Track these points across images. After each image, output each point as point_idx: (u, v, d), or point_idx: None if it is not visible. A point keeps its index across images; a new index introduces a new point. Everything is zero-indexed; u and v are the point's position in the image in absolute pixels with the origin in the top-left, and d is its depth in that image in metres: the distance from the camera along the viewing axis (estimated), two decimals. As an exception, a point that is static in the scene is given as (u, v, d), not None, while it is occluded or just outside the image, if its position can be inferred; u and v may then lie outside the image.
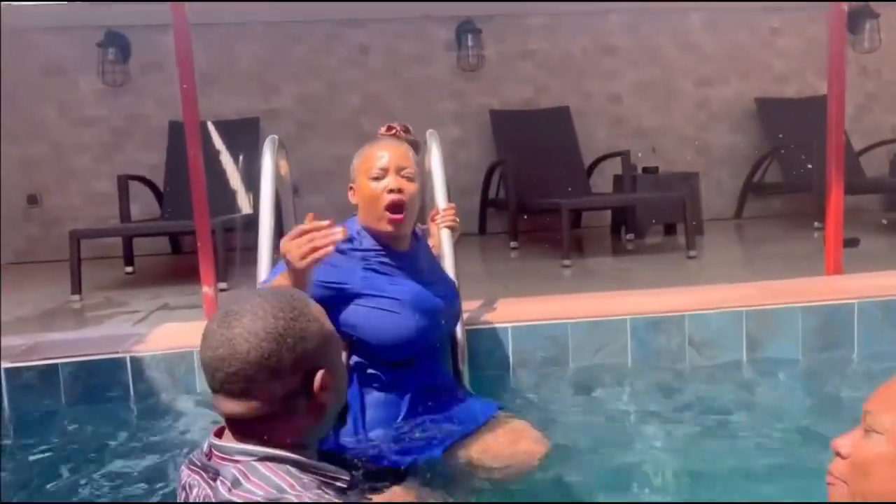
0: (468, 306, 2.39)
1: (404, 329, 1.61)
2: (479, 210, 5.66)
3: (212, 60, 5.50)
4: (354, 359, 1.64)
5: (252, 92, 5.57)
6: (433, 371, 1.73)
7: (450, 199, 5.43)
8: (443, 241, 2.07)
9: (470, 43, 5.60)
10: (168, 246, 5.31)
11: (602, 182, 5.62)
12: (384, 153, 1.68)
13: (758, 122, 5.94)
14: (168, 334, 2.30)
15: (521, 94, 5.84)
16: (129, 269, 4.43)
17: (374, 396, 1.64)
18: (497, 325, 2.22)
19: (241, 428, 0.96)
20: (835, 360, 2.27)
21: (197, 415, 1.99)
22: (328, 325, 1.02)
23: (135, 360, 2.08)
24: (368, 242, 1.68)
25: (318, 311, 1.02)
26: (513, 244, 4.81)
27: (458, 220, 2.12)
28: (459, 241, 2.16)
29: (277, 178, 2.37)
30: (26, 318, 3.13)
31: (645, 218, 4.98)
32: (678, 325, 2.27)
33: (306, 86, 5.60)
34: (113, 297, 3.59)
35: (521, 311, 2.38)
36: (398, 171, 1.67)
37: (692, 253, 3.91)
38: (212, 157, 5.18)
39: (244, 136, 5.25)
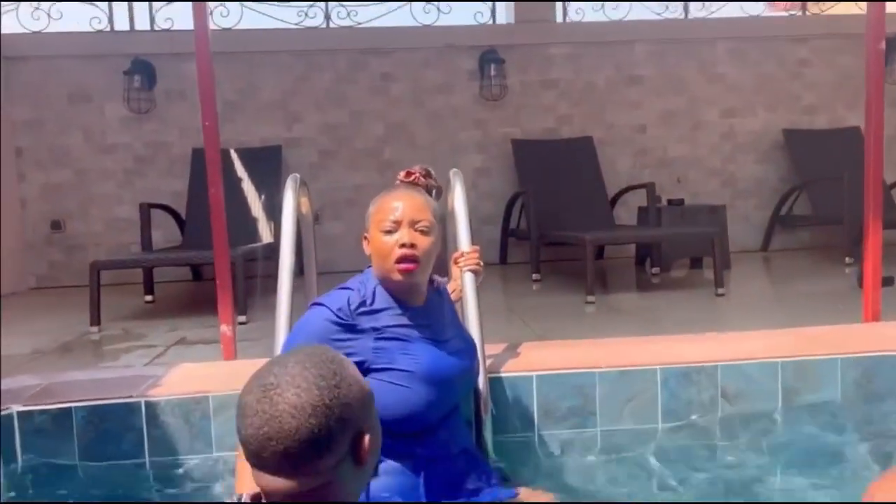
0: (490, 350, 2.31)
1: (414, 403, 1.54)
2: (500, 240, 5.61)
3: (237, 88, 5.52)
4: None
5: (276, 120, 5.58)
6: (449, 440, 1.65)
7: (471, 228, 5.37)
8: (465, 286, 2.00)
9: (493, 72, 5.57)
10: (189, 273, 5.30)
11: (626, 213, 5.55)
12: (398, 204, 1.61)
13: (786, 153, 5.84)
14: (184, 376, 2.25)
15: (544, 124, 5.79)
16: (149, 297, 4.42)
17: (387, 464, 1.57)
18: (521, 374, 2.14)
19: (285, 500, 0.91)
20: (876, 415, 2.16)
21: (212, 464, 1.93)
22: (365, 383, 0.98)
23: (149, 405, 2.03)
24: (382, 299, 1.61)
25: (353, 369, 0.98)
26: (534, 276, 4.73)
27: (482, 263, 2.05)
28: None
29: (298, 215, 2.34)
30: (44, 351, 3.10)
31: (671, 251, 4.90)
32: (711, 375, 2.18)
33: (329, 114, 5.60)
34: (131, 328, 3.56)
35: (546, 357, 2.30)
36: (412, 224, 1.59)
37: (721, 290, 3.81)
38: (234, 184, 5.18)
39: (267, 163, 5.25)
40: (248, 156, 5.30)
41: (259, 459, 0.91)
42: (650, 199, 4.96)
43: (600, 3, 5.82)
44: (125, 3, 5.51)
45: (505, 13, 5.92)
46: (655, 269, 4.82)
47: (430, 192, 1.77)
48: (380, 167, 5.61)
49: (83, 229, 5.46)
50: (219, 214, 2.47)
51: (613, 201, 5.47)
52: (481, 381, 1.93)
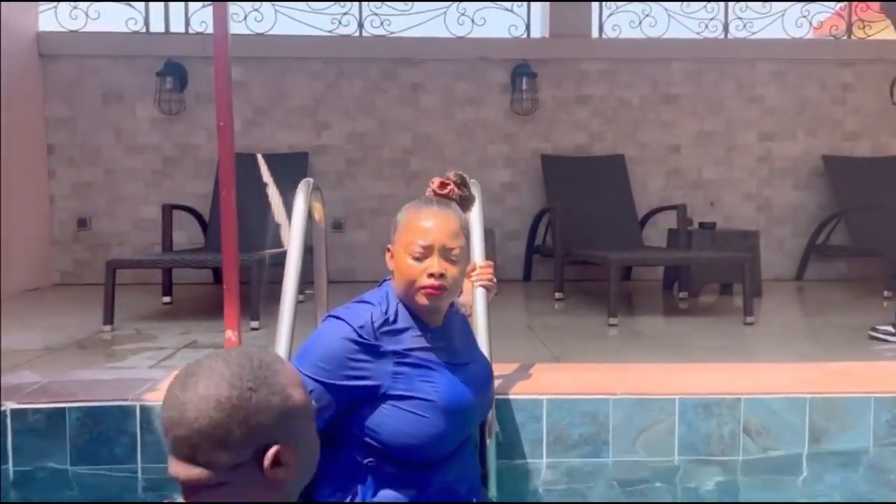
0: (502, 370, 2.22)
1: (429, 434, 1.45)
2: (525, 256, 5.50)
3: (267, 94, 5.52)
4: (370, 459, 1.47)
5: (304, 126, 5.56)
6: (457, 470, 1.55)
7: (495, 243, 5.27)
8: (476, 301, 1.91)
9: (525, 86, 5.49)
10: (210, 276, 5.29)
11: (655, 235, 5.41)
12: (430, 226, 1.48)
13: (825, 180, 5.65)
14: (184, 381, 2.19)
15: (575, 140, 5.69)
16: (167, 299, 4.40)
17: (389, 493, 1.47)
18: (531, 397, 2.04)
19: (193, 494, 0.92)
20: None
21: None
22: (296, 397, 0.96)
23: (144, 410, 1.98)
24: (403, 318, 1.51)
25: (287, 381, 0.96)
26: (557, 295, 4.62)
27: (495, 279, 1.95)
28: (503, 289, 2.00)
29: (311, 221, 2.28)
30: (55, 349, 3.08)
31: (700, 276, 4.75)
32: (732, 408, 2.05)
33: (358, 123, 5.57)
34: (144, 329, 3.53)
35: (558, 379, 2.19)
36: (443, 251, 1.48)
37: (749, 319, 3.65)
38: (259, 189, 5.17)
39: (293, 170, 5.22)
40: (275, 161, 5.29)
41: (168, 443, 0.94)
42: (681, 222, 4.81)
43: (638, 19, 5.71)
44: (161, 5, 5.55)
45: (540, 27, 5.85)
46: (683, 294, 4.67)
47: (461, 204, 1.63)
48: (406, 178, 5.55)
49: (109, 228, 5.48)
50: (229, 217, 2.42)
51: (643, 222, 5.33)
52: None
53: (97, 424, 1.96)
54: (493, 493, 1.79)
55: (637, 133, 5.71)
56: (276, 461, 0.92)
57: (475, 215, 2.19)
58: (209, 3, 5.45)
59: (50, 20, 5.45)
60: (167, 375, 2.24)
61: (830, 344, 3.28)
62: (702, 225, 5.04)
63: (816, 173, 5.72)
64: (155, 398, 2.02)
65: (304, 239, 2.11)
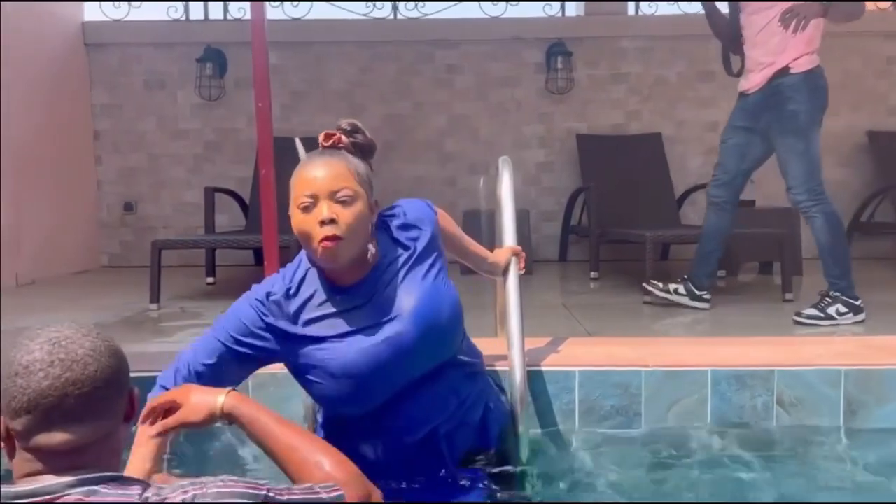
0: (535, 343, 2.26)
1: (343, 395, 1.49)
2: (560, 236, 5.51)
3: (304, 78, 5.60)
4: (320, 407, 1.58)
5: (341, 110, 5.62)
6: (415, 412, 1.54)
7: (530, 224, 5.27)
8: (510, 285, 1.95)
9: (559, 65, 5.47)
10: (252, 257, 5.41)
11: (694, 213, 5.35)
12: (313, 175, 1.44)
13: (870, 156, 5.52)
14: (227, 354, 2.27)
15: (611, 119, 5.65)
16: (210, 279, 4.53)
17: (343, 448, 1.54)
18: (563, 369, 2.08)
19: (76, 457, 0.90)
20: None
21: (237, 442, 1.94)
22: None
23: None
24: (308, 286, 1.51)
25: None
26: (593, 275, 4.62)
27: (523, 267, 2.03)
28: (538, 269, 2.05)
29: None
30: (104, 325, 3.21)
31: (739, 254, 4.69)
32: (766, 380, 2.06)
33: (393, 105, 5.61)
34: (189, 307, 3.65)
35: (591, 353, 2.22)
36: (331, 195, 1.43)
37: (788, 296, 3.62)
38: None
39: (329, 153, 5.30)
40: (313, 145, 5.36)
41: (51, 415, 0.89)
42: (718, 200, 4.75)
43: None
44: (200, -7, 5.66)
45: (574, 6, 5.80)
46: (721, 272, 4.62)
47: (360, 152, 1.59)
48: (441, 160, 5.59)
49: (154, 212, 5.64)
50: (269, 197, 2.50)
51: (681, 201, 5.29)
52: (518, 376, 1.87)
53: (144, 393, 2.05)
54: (523, 460, 1.83)
55: (674, 111, 5.64)
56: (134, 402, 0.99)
57: (506, 191, 2.22)
58: (246, -11, 5.54)
59: (94, 10, 5.60)
60: (211, 348, 2.33)
61: (871, 320, 3.23)
62: (741, 203, 4.97)
63: (860, 149, 5.59)
64: (200, 369, 2.10)
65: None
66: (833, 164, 5.65)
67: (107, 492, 0.90)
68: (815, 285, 4.31)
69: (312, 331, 1.49)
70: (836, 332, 2.82)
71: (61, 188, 5.10)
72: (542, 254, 5.39)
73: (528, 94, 5.62)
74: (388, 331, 1.49)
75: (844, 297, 3.05)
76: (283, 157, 2.86)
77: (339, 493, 1.01)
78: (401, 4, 5.63)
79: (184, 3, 5.62)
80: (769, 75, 3.11)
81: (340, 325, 1.49)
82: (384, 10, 5.63)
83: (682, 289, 3.41)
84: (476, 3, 5.59)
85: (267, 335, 1.51)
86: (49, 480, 0.90)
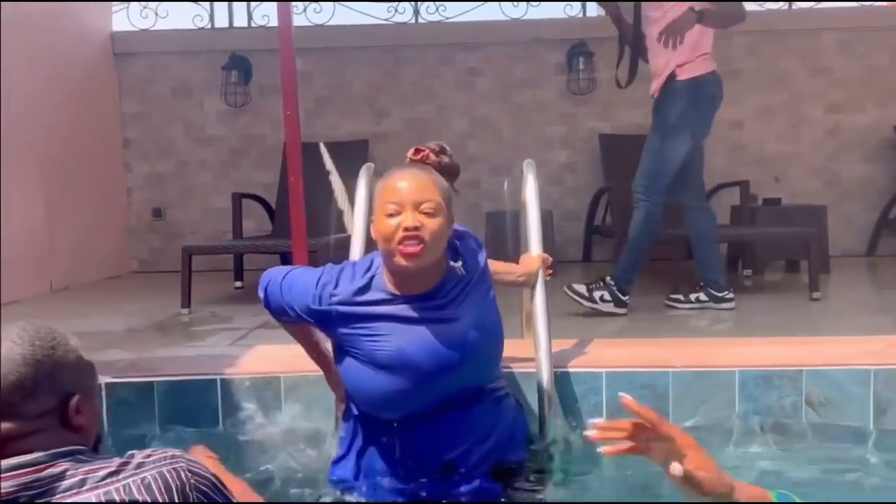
0: (561, 345, 2.28)
1: (377, 389, 1.55)
2: (584, 237, 5.51)
3: (328, 83, 5.66)
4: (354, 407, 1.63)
5: (364, 115, 5.68)
6: (441, 442, 1.58)
7: (553, 225, 5.27)
8: (537, 292, 1.99)
9: (581, 66, 5.47)
10: (278, 262, 5.48)
11: (719, 212, 5.29)
12: (401, 185, 1.54)
13: (897, 152, 5.46)
14: (259, 357, 2.33)
15: (633, 119, 5.62)
16: (239, 283, 4.60)
17: (359, 443, 1.63)
18: (591, 370, 2.10)
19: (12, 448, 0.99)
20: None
21: (280, 442, 1.99)
22: (86, 358, 1.12)
23: (225, 382, 2.12)
24: (379, 291, 1.59)
25: (75, 344, 1.10)
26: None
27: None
28: (562, 269, 2.09)
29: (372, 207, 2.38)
30: (137, 329, 3.28)
31: (765, 253, 4.67)
32: (794, 380, 2.06)
33: (415, 109, 5.65)
34: (219, 311, 3.72)
35: (618, 354, 2.24)
36: (416, 206, 1.52)
37: (816, 295, 3.60)
38: (322, 177, 5.31)
39: (354, 157, 5.35)
40: (337, 149, 5.41)
41: None
42: (744, 198, 4.74)
43: (696, -6, 5.60)
44: (225, 1, 5.75)
45: (595, 6, 5.79)
46: (748, 271, 4.61)
47: (443, 172, 1.68)
48: (463, 162, 5.54)
49: (182, 217, 5.74)
50: (297, 202, 2.55)
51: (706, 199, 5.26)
52: (546, 378, 1.90)
53: (182, 396, 2.11)
54: (555, 463, 1.85)
55: (697, 110, 5.61)
56: (77, 409, 1.04)
57: (531, 194, 2.25)
58: (270, -4, 5.61)
59: (122, 20, 5.71)
60: (245, 353, 2.39)
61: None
62: (766, 201, 4.95)
63: (887, 145, 5.52)
64: (234, 372, 2.16)
65: (367, 221, 2.21)
66: (859, 160, 5.59)
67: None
68: (844, 283, 4.30)
69: (370, 324, 1.57)
70: (865, 333, 2.79)
71: (92, 195, 5.21)
72: (566, 254, 5.39)
73: (550, 95, 5.63)
74: (440, 341, 1.55)
75: (614, 288, 3.29)
76: (308, 163, 2.93)
77: None
78: (422, 8, 5.67)
79: (210, 2, 5.70)
80: (664, 80, 3.32)
81: (398, 326, 1.56)
82: (406, 15, 5.67)
83: (606, 294, 3.36)
84: (497, 5, 5.62)
85: (328, 315, 1.60)
86: (32, 455, 0.99)
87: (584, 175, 5.63)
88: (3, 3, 4.12)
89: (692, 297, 3.41)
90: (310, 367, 2.14)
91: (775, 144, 5.63)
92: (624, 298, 3.31)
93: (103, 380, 2.13)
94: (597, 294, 3.30)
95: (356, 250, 2.14)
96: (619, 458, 1.91)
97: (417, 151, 1.70)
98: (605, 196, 5.24)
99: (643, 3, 3.42)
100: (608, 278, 3.34)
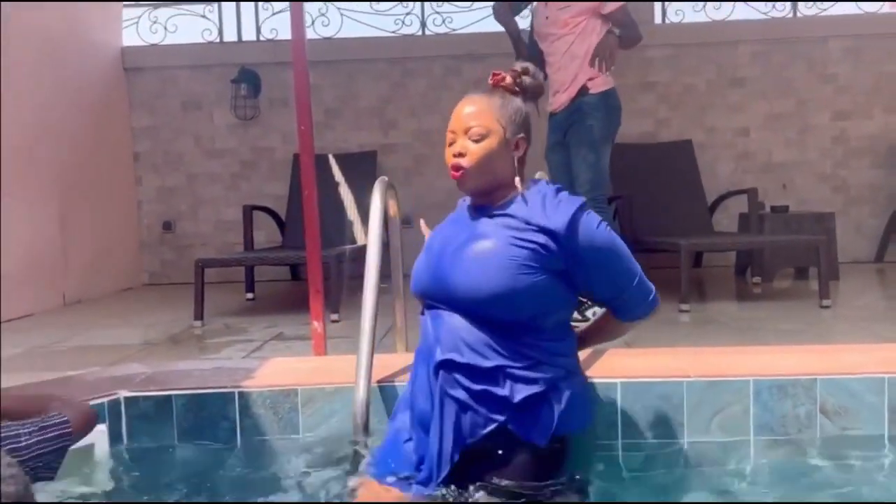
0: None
1: (419, 265, 1.76)
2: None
3: (337, 96, 5.71)
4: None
5: (373, 126, 5.72)
6: (456, 341, 1.60)
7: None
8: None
9: (588, 76, 5.49)
10: (288, 273, 5.51)
11: (727, 220, 5.34)
12: (457, 112, 1.68)
13: (899, 165, 5.47)
14: (275, 370, 2.35)
15: (641, 128, 5.66)
16: (250, 295, 4.63)
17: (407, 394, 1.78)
18: (605, 380, 2.10)
19: None
20: None
21: (296, 454, 2.01)
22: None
23: (242, 395, 2.13)
24: (460, 208, 1.85)
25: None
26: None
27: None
28: None
29: (387, 218, 2.40)
30: (153, 342, 3.31)
31: (774, 260, 4.67)
32: (808, 389, 2.06)
33: (424, 120, 5.69)
34: (232, 323, 3.75)
35: (632, 364, 2.25)
36: (465, 131, 1.64)
37: (826, 302, 3.60)
38: (331, 188, 5.35)
39: (363, 168, 5.39)
40: (346, 161, 5.46)
41: None
42: (752, 205, 4.75)
43: (701, 3, 5.64)
44: (234, 15, 5.80)
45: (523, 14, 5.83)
46: (756, 279, 4.62)
47: (526, 93, 1.74)
48: (472, 172, 5.63)
49: (192, 230, 5.78)
50: (312, 217, 2.57)
51: (713, 207, 5.28)
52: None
53: (201, 410, 2.13)
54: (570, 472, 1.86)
55: (704, 118, 5.64)
56: None
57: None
58: (282, 6, 5.67)
59: (132, 35, 5.77)
60: (260, 365, 2.41)
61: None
62: (774, 209, 4.96)
63: (884, 163, 5.52)
64: (250, 385, 2.18)
65: (382, 233, 2.23)
66: (867, 166, 5.60)
67: None
68: (853, 290, 4.30)
69: (452, 219, 1.83)
70: (878, 341, 2.80)
71: (104, 209, 5.25)
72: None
73: (557, 104, 5.65)
74: (454, 245, 1.68)
75: None
76: (319, 174, 2.97)
77: None
78: (429, 20, 5.71)
79: None
80: (573, 94, 3.45)
81: (457, 223, 1.76)
82: (413, 27, 5.72)
83: (597, 310, 3.44)
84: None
85: None
86: None
87: (591, 184, 5.64)
88: (11, 13, 4.16)
89: (588, 313, 3.25)
90: (326, 379, 2.17)
91: (782, 152, 5.64)
92: None
93: (122, 394, 2.16)
94: (589, 312, 3.24)
95: (373, 261, 2.16)
96: (636, 473, 1.94)
97: (493, 75, 1.73)
98: (613, 204, 5.24)
99: (539, 21, 3.59)
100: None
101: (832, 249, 4.55)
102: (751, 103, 5.64)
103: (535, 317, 1.62)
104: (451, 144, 1.67)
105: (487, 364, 1.59)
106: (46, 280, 4.49)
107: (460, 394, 1.58)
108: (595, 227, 1.65)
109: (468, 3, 5.68)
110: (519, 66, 1.75)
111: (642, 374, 2.14)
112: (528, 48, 3.73)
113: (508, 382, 1.59)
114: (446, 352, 1.60)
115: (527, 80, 1.75)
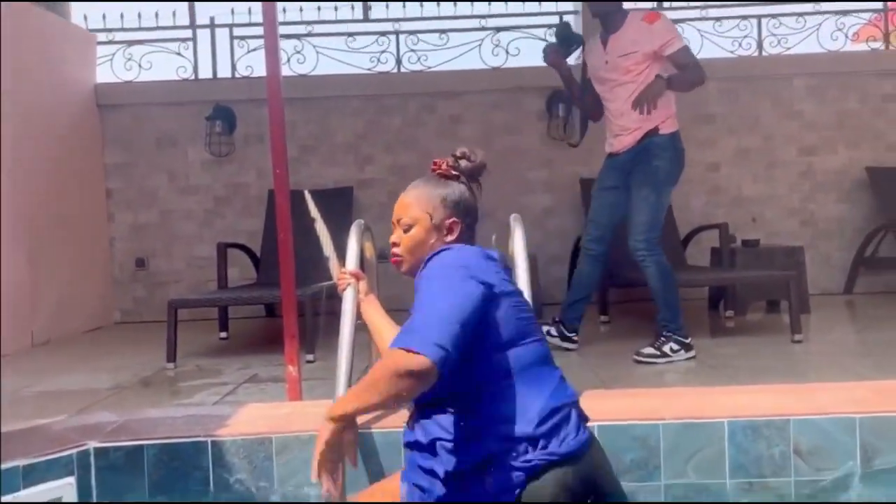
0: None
1: None
2: (568, 279, 5.54)
3: (312, 132, 5.72)
4: None
5: (348, 162, 5.74)
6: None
7: (538, 267, 5.34)
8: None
9: (561, 112, 5.58)
10: (262, 309, 5.46)
11: (699, 253, 5.41)
12: (397, 203, 1.84)
13: (870, 192, 5.60)
14: (249, 417, 2.31)
15: (614, 163, 5.74)
16: (224, 334, 4.57)
17: None
18: (582, 424, 2.11)
19: None
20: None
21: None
22: None
23: (215, 444, 2.10)
24: None
25: None
26: (602, 318, 4.67)
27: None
28: (548, 311, 2.14)
29: (363, 259, 2.41)
30: (124, 387, 3.25)
31: (746, 294, 4.74)
32: (782, 430, 2.09)
33: (399, 156, 5.72)
34: (205, 365, 3.69)
35: (607, 406, 2.25)
36: (398, 222, 1.82)
37: (797, 337, 3.65)
38: (307, 224, 5.33)
39: (339, 204, 5.39)
40: (322, 197, 5.42)
41: None
42: (723, 240, 4.83)
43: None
44: (209, 53, 5.82)
45: (574, 55, 5.93)
46: (730, 313, 4.67)
47: (466, 175, 1.87)
48: (448, 207, 5.66)
49: (166, 267, 5.71)
50: (287, 260, 2.56)
51: (686, 241, 5.35)
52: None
53: (173, 460, 2.09)
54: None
55: (675, 153, 5.73)
56: None
57: (519, 247, 2.29)
58: (257, 43, 5.69)
59: (106, 72, 5.75)
60: (234, 411, 2.37)
61: (882, 361, 3.26)
62: (745, 242, 5.04)
63: (860, 186, 5.66)
64: (224, 433, 2.14)
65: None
66: (833, 200, 5.73)
67: None
68: (824, 323, 4.36)
69: None
70: (851, 378, 2.83)
71: (75, 247, 5.18)
72: (551, 296, 5.42)
73: (531, 141, 5.73)
74: None
75: (676, 337, 3.37)
76: (294, 211, 2.97)
77: None
78: (404, 58, 5.78)
79: (192, 62, 5.77)
80: (639, 137, 3.46)
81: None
82: (388, 65, 5.77)
83: (553, 330, 3.63)
84: (477, 55, 5.74)
85: None
86: None
87: (566, 218, 5.71)
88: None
89: (665, 348, 3.40)
90: (301, 426, 2.14)
91: (752, 186, 5.76)
92: (688, 340, 3.40)
93: (91, 444, 2.11)
94: (666, 347, 3.35)
95: (348, 303, 2.16)
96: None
97: (433, 164, 1.88)
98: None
99: (596, 64, 3.61)
100: (664, 332, 3.39)
101: (802, 283, 4.62)
102: (720, 139, 5.76)
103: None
104: (393, 229, 1.84)
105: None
106: (14, 321, 4.39)
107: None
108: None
109: (443, 39, 5.77)
110: (459, 150, 1.90)
111: (618, 416, 2.14)
112: (580, 88, 3.78)
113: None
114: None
115: (464, 163, 1.88)
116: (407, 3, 5.80)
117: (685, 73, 3.46)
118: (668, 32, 3.44)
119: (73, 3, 5.73)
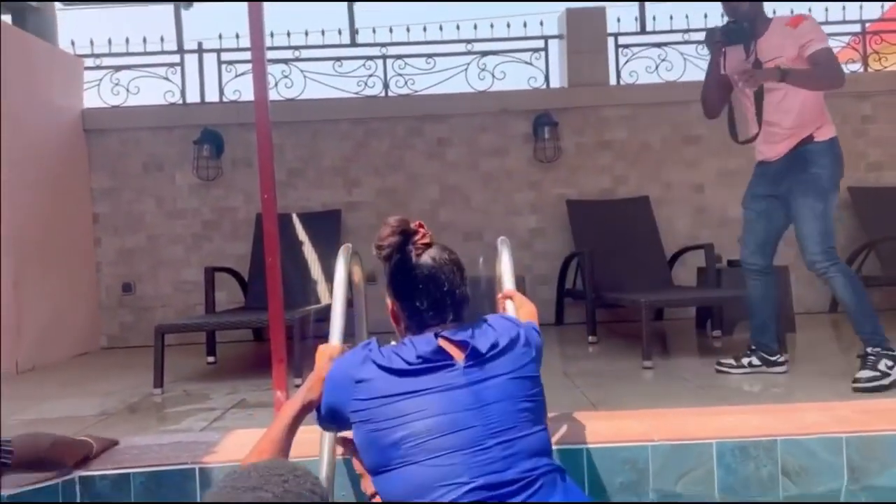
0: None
1: None
2: (556, 300, 5.57)
3: (300, 156, 5.74)
4: None
5: (336, 185, 5.76)
6: None
7: (525, 288, 5.35)
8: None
9: (547, 135, 5.64)
10: (250, 333, 5.44)
11: (685, 273, 5.45)
12: None
13: (852, 212, 5.67)
14: (237, 442, 2.30)
15: (599, 185, 5.80)
16: (211, 359, 4.54)
17: None
18: (571, 446, 2.12)
19: None
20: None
21: None
22: None
23: (203, 472, 2.08)
24: None
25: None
26: (591, 338, 4.68)
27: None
28: None
29: (350, 284, 2.41)
30: (111, 413, 3.22)
31: (733, 314, 4.76)
32: (769, 450, 2.10)
33: (387, 179, 5.75)
34: (192, 390, 3.67)
35: (597, 428, 2.26)
36: None
37: (783, 357, 3.66)
38: (295, 247, 5.34)
39: (327, 227, 5.40)
40: (310, 220, 5.47)
41: None
42: (709, 260, 4.87)
43: (654, 64, 5.87)
44: (197, 77, 5.84)
45: (559, 78, 6.02)
46: (717, 332, 4.70)
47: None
48: (436, 230, 5.59)
49: (152, 291, 5.68)
50: (275, 286, 2.56)
51: (672, 261, 5.39)
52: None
53: (160, 488, 2.07)
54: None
55: (660, 174, 5.80)
56: None
57: (506, 268, 2.30)
58: (245, 68, 5.72)
59: (93, 97, 5.76)
60: (222, 437, 2.36)
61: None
62: (731, 263, 5.08)
63: (843, 205, 5.72)
64: (212, 460, 2.13)
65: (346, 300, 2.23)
66: (818, 220, 5.79)
67: None
68: (810, 343, 4.39)
69: None
70: (837, 397, 2.85)
71: (61, 272, 5.15)
72: (540, 318, 5.43)
73: (518, 162, 5.78)
74: None
75: (885, 350, 3.04)
76: (282, 233, 2.97)
77: None
78: (392, 82, 5.83)
79: (180, 87, 5.79)
80: (793, 144, 3.26)
81: None
82: (375, 88, 5.82)
83: (755, 360, 3.47)
84: (464, 78, 5.80)
85: None
86: None
87: (553, 239, 5.74)
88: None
89: (744, 360, 3.40)
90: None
91: (736, 207, 5.77)
92: (895, 352, 3.09)
93: (77, 473, 2.09)
94: (881, 365, 3.01)
95: (336, 329, 2.15)
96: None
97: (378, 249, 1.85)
98: (574, 259, 5.33)
99: (738, 67, 3.33)
100: (869, 348, 3.08)
101: (788, 303, 4.66)
102: (704, 160, 5.83)
103: None
104: None
105: None
106: (-1, 347, 4.35)
107: None
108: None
109: (429, 63, 5.82)
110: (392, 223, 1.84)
111: (607, 438, 2.15)
112: (709, 85, 3.60)
113: None
114: None
115: (376, 252, 1.86)
116: (394, 28, 5.87)
117: (814, 69, 3.19)
118: (811, 33, 3.20)
119: (59, 29, 5.74)
